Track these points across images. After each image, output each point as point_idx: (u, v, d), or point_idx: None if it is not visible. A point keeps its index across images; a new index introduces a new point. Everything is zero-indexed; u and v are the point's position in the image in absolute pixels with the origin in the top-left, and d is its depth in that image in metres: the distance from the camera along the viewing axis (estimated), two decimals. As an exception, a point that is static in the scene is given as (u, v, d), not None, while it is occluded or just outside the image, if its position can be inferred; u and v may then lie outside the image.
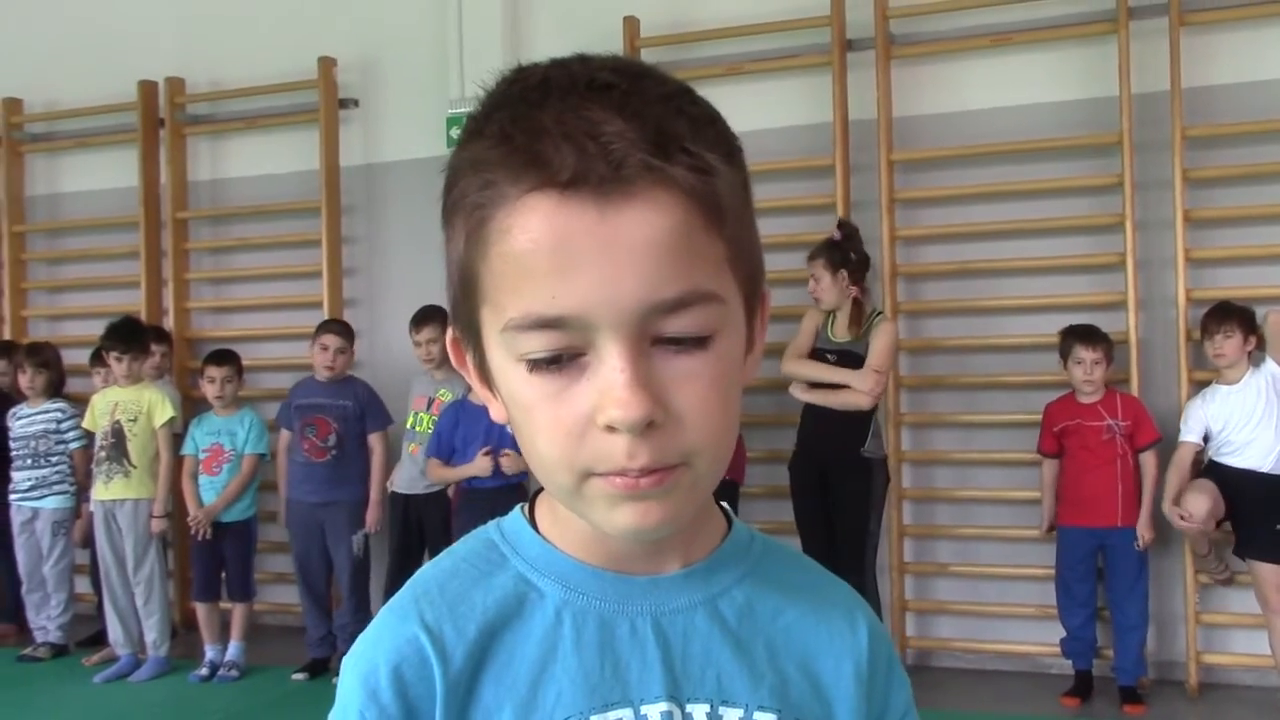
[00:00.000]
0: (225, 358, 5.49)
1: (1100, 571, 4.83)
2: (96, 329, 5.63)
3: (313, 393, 5.38)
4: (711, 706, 0.80)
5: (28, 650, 5.75)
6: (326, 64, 6.14)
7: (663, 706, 0.79)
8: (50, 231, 6.99)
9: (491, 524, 0.86)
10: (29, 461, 5.78)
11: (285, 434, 5.46)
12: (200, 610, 5.43)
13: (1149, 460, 4.71)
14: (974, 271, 5.22)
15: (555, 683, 0.78)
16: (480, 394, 0.81)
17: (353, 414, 5.36)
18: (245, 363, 5.65)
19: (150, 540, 5.37)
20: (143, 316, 6.19)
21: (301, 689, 5.18)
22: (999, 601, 5.21)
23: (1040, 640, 5.03)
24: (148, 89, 6.48)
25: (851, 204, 5.23)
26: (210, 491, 5.37)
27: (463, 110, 5.57)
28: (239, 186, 6.50)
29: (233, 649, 5.41)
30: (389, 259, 6.16)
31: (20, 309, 6.92)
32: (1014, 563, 5.17)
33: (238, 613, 5.45)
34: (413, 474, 5.19)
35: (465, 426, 4.70)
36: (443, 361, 5.09)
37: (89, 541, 5.69)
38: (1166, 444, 4.71)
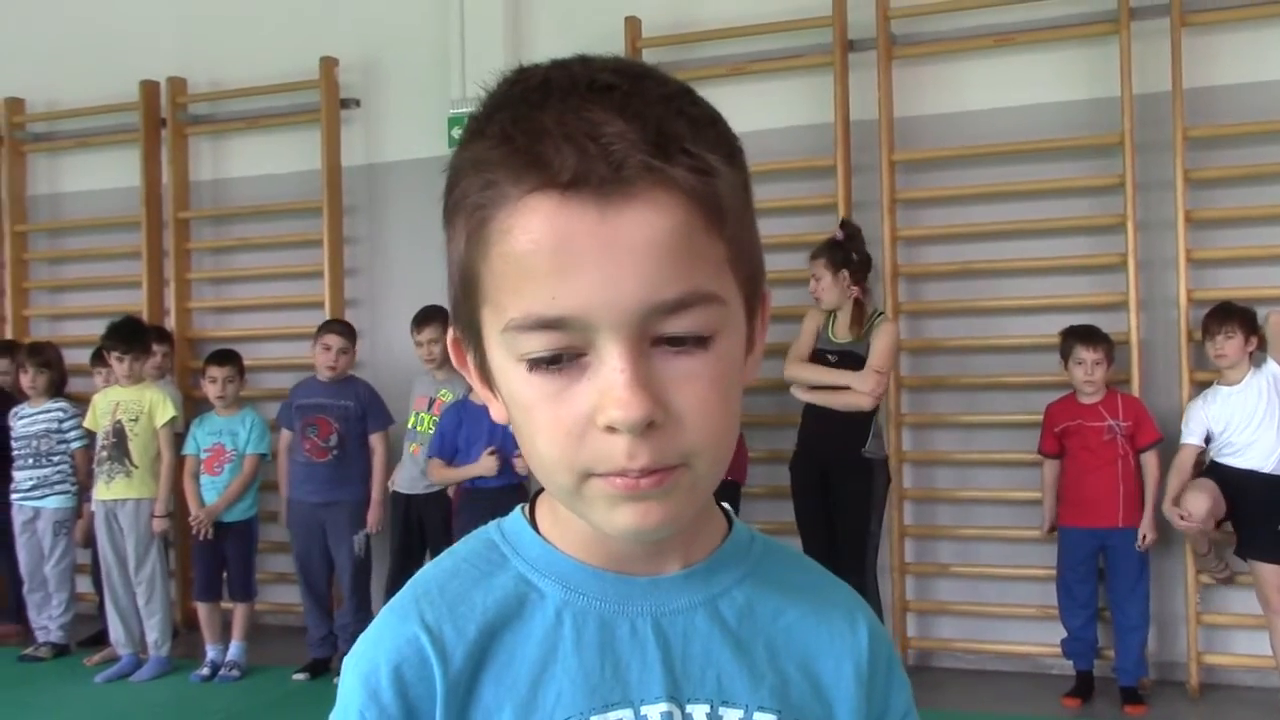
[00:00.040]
0: (227, 358, 5.50)
1: (1101, 572, 4.83)
2: (98, 329, 5.63)
3: (314, 393, 5.38)
4: (711, 707, 0.80)
5: (29, 650, 5.75)
6: (328, 64, 6.14)
7: (663, 707, 0.79)
8: (52, 231, 7.00)
9: (492, 524, 0.87)
10: (30, 461, 5.78)
11: (286, 434, 5.46)
12: (201, 610, 5.43)
13: (1150, 460, 4.71)
14: (975, 272, 5.22)
15: (555, 683, 0.78)
16: (481, 394, 0.81)
17: (354, 414, 5.36)
18: (246, 363, 5.65)
19: (152, 540, 5.38)
20: (144, 316, 6.20)
21: (303, 689, 5.18)
22: (1000, 602, 5.21)
23: (1041, 641, 5.03)
24: (149, 89, 6.48)
25: (853, 204, 5.23)
26: (212, 491, 5.38)
27: (464, 110, 5.57)
28: (240, 186, 6.50)
29: (234, 649, 5.41)
30: (390, 259, 6.17)
31: (22, 308, 6.93)
32: (1015, 563, 5.17)
33: (239, 613, 5.45)
34: (414, 474, 5.20)
35: (468, 426, 4.70)
36: (444, 362, 5.09)
37: (90, 541, 5.69)
38: (1168, 444, 4.71)
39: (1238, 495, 4.52)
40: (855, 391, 4.59)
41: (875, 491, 4.68)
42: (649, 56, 5.49)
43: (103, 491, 5.37)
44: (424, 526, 5.17)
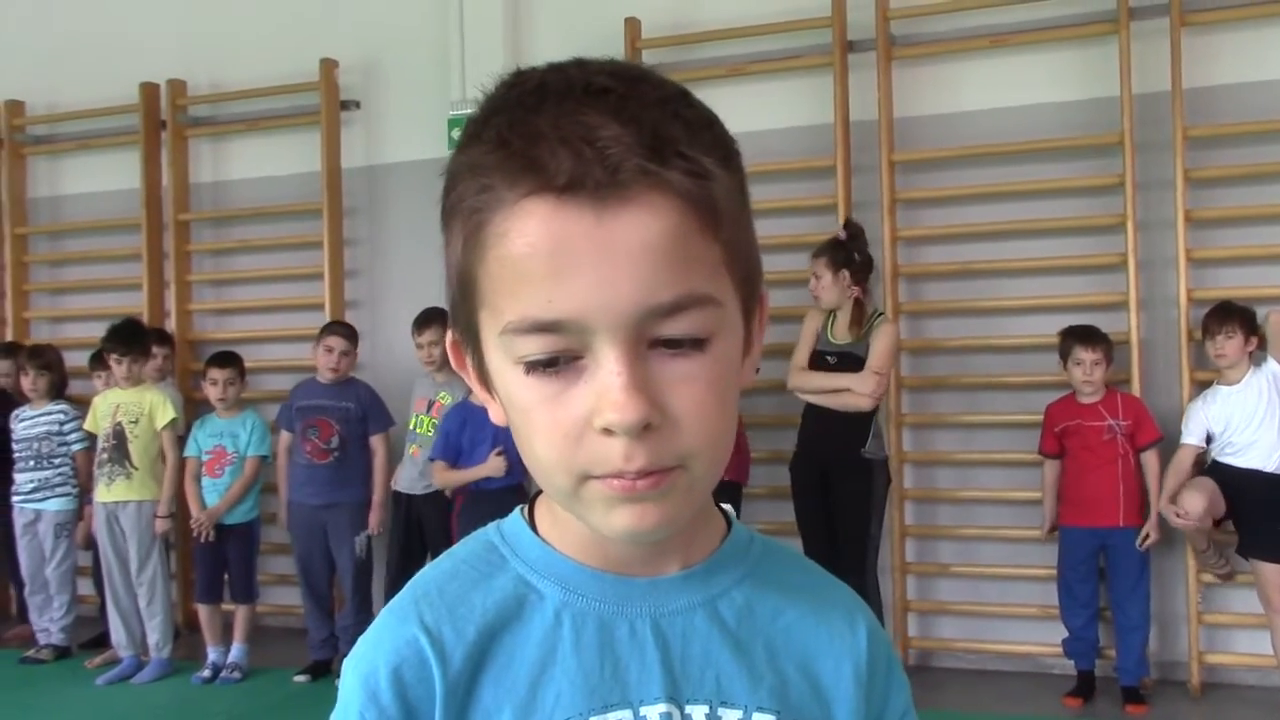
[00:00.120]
0: (228, 360, 5.50)
1: (1102, 572, 4.83)
2: (98, 331, 5.63)
3: (314, 394, 5.38)
4: (711, 708, 0.80)
5: (30, 652, 5.75)
6: (328, 66, 6.15)
7: (662, 708, 0.79)
8: (52, 234, 7.00)
9: (491, 526, 0.87)
10: (31, 463, 5.78)
11: (286, 436, 5.46)
12: (203, 612, 5.44)
13: (1151, 459, 4.71)
14: (975, 272, 5.22)
15: (554, 684, 0.78)
16: (480, 396, 0.81)
17: (355, 416, 5.36)
18: (247, 364, 5.65)
19: (153, 542, 5.38)
20: (145, 318, 6.21)
21: (304, 691, 5.19)
22: (1001, 602, 5.21)
23: (1042, 640, 5.03)
24: (149, 91, 6.49)
25: (853, 205, 5.23)
26: (213, 493, 5.38)
27: (464, 112, 5.57)
28: (241, 188, 6.50)
29: (235, 651, 5.41)
30: (390, 261, 6.17)
31: (22, 311, 6.93)
32: (1016, 563, 5.17)
33: (240, 614, 5.45)
34: (413, 475, 5.20)
35: (472, 428, 4.67)
36: (444, 364, 5.09)
37: (91, 543, 5.69)
38: (1168, 443, 4.71)
39: (1239, 495, 4.52)
40: (855, 392, 4.60)
41: (875, 492, 4.68)
42: (649, 57, 5.50)
43: (103, 493, 5.38)
44: (423, 527, 5.17)
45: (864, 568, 4.58)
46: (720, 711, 0.81)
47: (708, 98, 0.75)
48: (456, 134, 5.42)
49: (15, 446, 5.81)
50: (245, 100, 6.40)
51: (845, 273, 4.68)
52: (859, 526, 4.61)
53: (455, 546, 0.86)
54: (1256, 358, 4.58)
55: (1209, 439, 4.61)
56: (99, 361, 5.62)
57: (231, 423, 5.45)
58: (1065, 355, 4.76)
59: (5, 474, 5.86)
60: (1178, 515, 4.50)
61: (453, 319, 0.80)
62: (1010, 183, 5.15)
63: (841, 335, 4.72)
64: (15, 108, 6.89)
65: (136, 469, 5.35)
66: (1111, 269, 5.01)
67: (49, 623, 5.79)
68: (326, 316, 5.92)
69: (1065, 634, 4.83)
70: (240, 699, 5.13)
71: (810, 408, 4.75)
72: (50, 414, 5.84)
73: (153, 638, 5.39)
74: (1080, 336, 4.74)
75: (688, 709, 0.80)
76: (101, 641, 5.71)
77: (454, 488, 4.84)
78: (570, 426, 0.71)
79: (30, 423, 5.83)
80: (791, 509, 4.81)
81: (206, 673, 5.34)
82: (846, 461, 4.63)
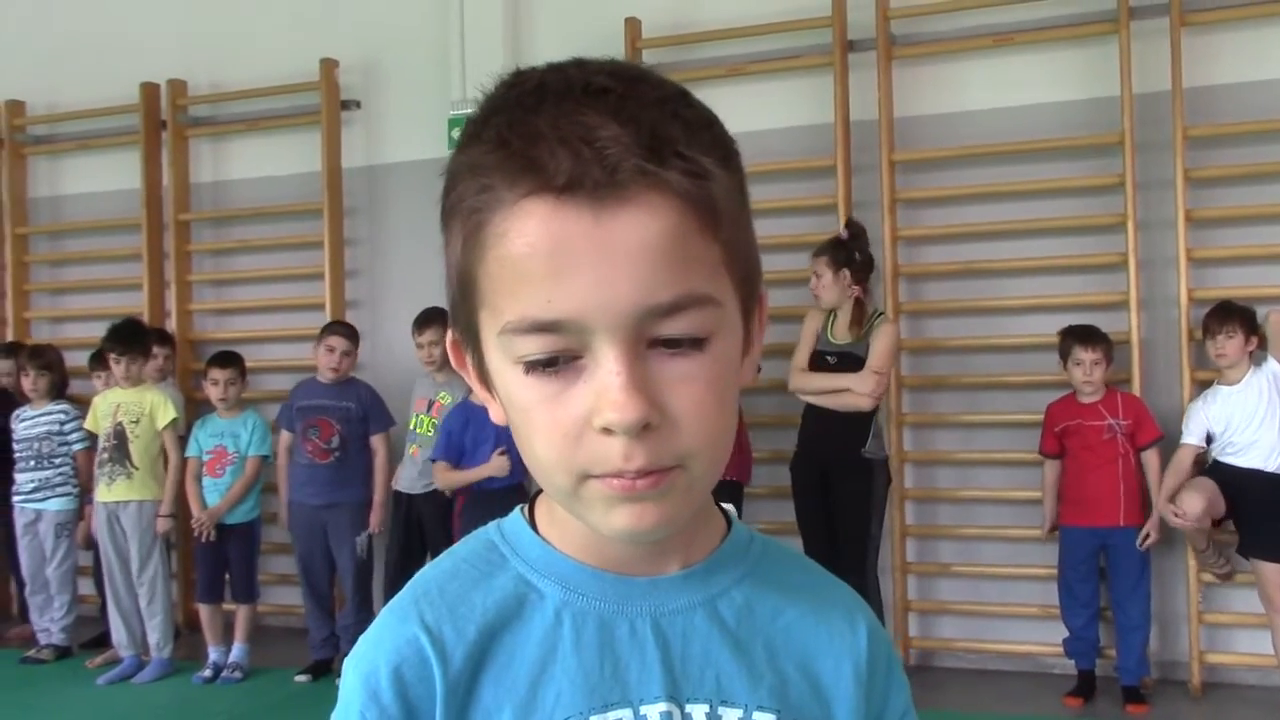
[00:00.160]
0: (229, 360, 5.50)
1: (1102, 571, 4.83)
2: (99, 331, 5.64)
3: (315, 394, 5.39)
4: (711, 707, 0.81)
5: (31, 652, 5.76)
6: (328, 66, 6.15)
7: (662, 707, 0.79)
8: (52, 234, 7.00)
9: (492, 525, 0.87)
10: (32, 463, 5.78)
11: (285, 435, 5.46)
12: (204, 612, 5.44)
13: (1152, 459, 4.71)
14: (976, 272, 5.22)
15: (555, 683, 0.79)
16: (480, 395, 0.82)
17: (355, 415, 5.37)
18: (247, 364, 5.65)
19: (154, 541, 5.39)
20: (145, 318, 6.21)
21: (305, 690, 5.19)
22: (1001, 602, 5.21)
23: (1043, 640, 5.03)
24: (150, 91, 6.49)
25: (853, 204, 5.23)
26: (214, 493, 5.38)
27: (464, 112, 5.57)
28: (241, 188, 6.51)
29: (236, 650, 5.41)
30: (391, 261, 6.17)
31: (23, 311, 6.93)
32: (1016, 563, 5.17)
33: (241, 614, 5.45)
34: (413, 475, 5.20)
35: (475, 428, 4.66)
36: (444, 364, 5.09)
37: (91, 543, 5.69)
38: (1168, 443, 4.71)
39: (1239, 495, 4.52)
40: (854, 392, 4.59)
41: (875, 491, 4.68)
42: (649, 57, 5.50)
43: (104, 493, 5.38)
44: (423, 526, 5.17)
45: (864, 567, 4.58)
46: (720, 710, 0.81)
47: (708, 98, 0.76)
48: (456, 134, 5.42)
49: (16, 446, 5.82)
50: (245, 100, 6.40)
51: (846, 272, 4.68)
52: (859, 526, 4.61)
53: (455, 546, 0.86)
54: (1257, 357, 4.58)
55: (1209, 439, 4.61)
56: (99, 361, 5.63)
57: (232, 423, 5.45)
58: (1065, 355, 4.76)
59: (6, 474, 5.86)
60: (1176, 516, 4.50)
61: (453, 319, 0.80)
62: (1010, 182, 5.15)
63: (842, 335, 4.72)
64: (15, 108, 6.89)
65: (137, 469, 5.36)
66: (1112, 269, 5.01)
67: (50, 623, 5.79)
68: (327, 316, 5.93)
69: (1066, 634, 4.83)
70: (241, 699, 5.13)
71: (810, 408, 4.75)
72: (51, 414, 5.84)
73: (153, 637, 5.40)
74: (1080, 336, 4.74)
75: (688, 708, 0.80)
76: (102, 641, 5.72)
77: (456, 488, 4.85)
78: (570, 426, 0.72)
79: (31, 423, 5.83)
80: (792, 509, 4.81)
81: (207, 672, 5.34)
82: (847, 461, 4.63)
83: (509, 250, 0.71)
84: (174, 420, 5.41)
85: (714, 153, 0.73)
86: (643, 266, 0.69)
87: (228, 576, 5.46)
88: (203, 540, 5.38)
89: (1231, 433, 4.54)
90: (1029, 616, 5.09)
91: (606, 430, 0.70)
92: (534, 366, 0.72)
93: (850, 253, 4.71)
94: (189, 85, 6.54)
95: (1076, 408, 4.77)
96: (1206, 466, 4.66)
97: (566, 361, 0.71)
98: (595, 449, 0.71)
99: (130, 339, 5.40)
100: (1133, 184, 4.88)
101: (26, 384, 5.88)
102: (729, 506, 0.90)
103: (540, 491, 0.84)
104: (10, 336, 6.78)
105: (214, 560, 5.42)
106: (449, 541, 0.99)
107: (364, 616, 5.12)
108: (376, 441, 5.40)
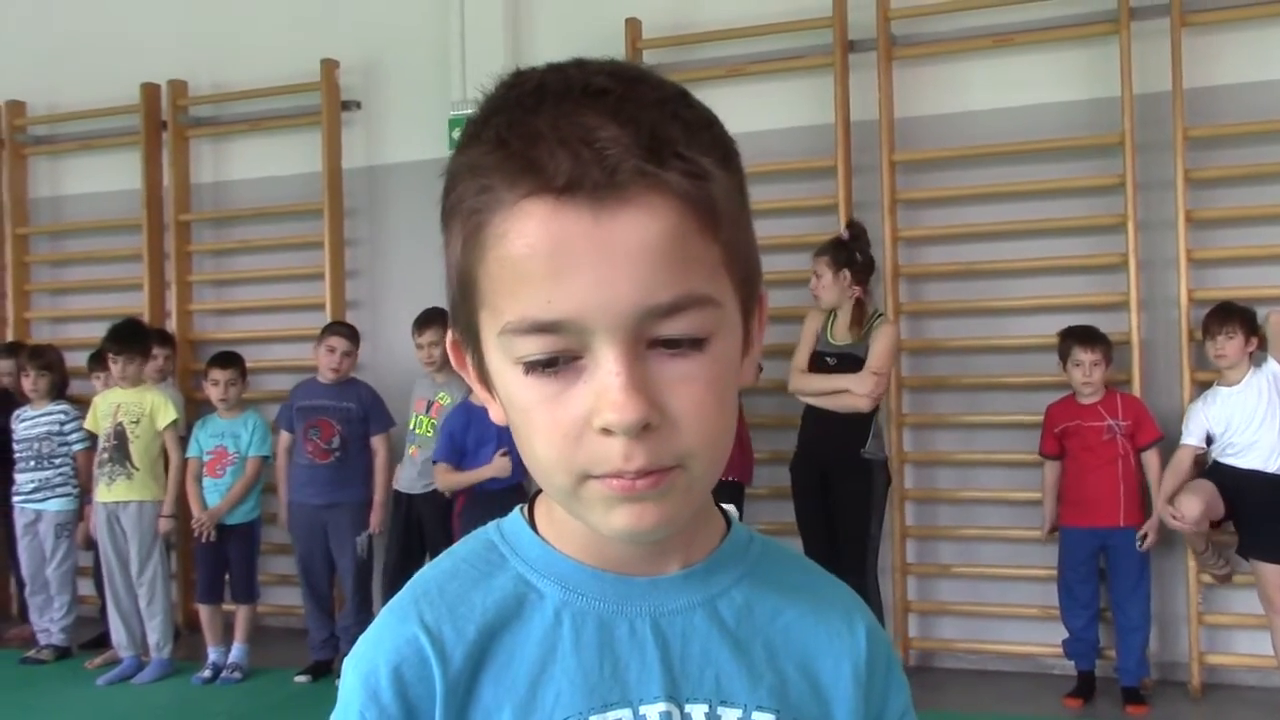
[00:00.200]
0: (229, 360, 5.50)
1: (1102, 572, 4.83)
2: (99, 331, 5.64)
3: (315, 394, 5.39)
4: (710, 707, 0.81)
5: (30, 653, 5.76)
6: (329, 66, 6.15)
7: (661, 707, 0.79)
8: (53, 234, 7.01)
9: (491, 525, 0.87)
10: (32, 464, 5.79)
11: (285, 436, 5.46)
12: (204, 612, 5.44)
13: (1152, 459, 4.71)
14: (976, 272, 5.22)
15: (554, 683, 0.79)
16: (480, 396, 0.82)
17: (356, 416, 5.37)
18: (248, 365, 5.65)
19: (154, 542, 5.39)
20: (146, 319, 6.21)
21: (304, 691, 5.19)
22: (1001, 602, 5.21)
23: (1042, 641, 5.03)
24: (150, 91, 6.49)
25: (853, 205, 5.23)
26: (214, 494, 5.38)
27: (465, 112, 5.56)
28: (241, 189, 6.51)
29: (236, 651, 5.41)
30: (391, 261, 6.17)
31: (23, 311, 6.93)
32: (1016, 563, 5.17)
33: (241, 615, 5.45)
34: (413, 475, 5.21)
35: (477, 428, 4.66)
36: (444, 364, 5.09)
37: (91, 543, 5.69)
38: (1168, 444, 4.71)
39: (1239, 496, 4.51)
40: (853, 393, 4.59)
41: (875, 492, 4.68)
42: (649, 58, 5.50)
43: (104, 494, 5.38)
44: (423, 527, 5.17)
45: (864, 568, 4.58)
46: (720, 710, 0.81)
47: (708, 98, 0.76)
48: (457, 134, 5.42)
49: (16, 447, 5.82)
50: (246, 100, 6.40)
51: (846, 272, 4.68)
52: (859, 527, 4.61)
53: (455, 545, 0.87)
54: (1257, 358, 4.58)
55: (1209, 440, 4.61)
56: (98, 362, 5.63)
57: (233, 423, 5.45)
58: (1064, 356, 4.76)
59: (6, 474, 5.87)
60: (1174, 519, 4.50)
61: (453, 319, 0.80)
62: (1011, 183, 5.16)
63: (841, 336, 4.72)
64: (16, 108, 6.89)
65: (137, 469, 5.36)
66: (1112, 269, 5.01)
67: (49, 623, 5.79)
68: (327, 317, 5.93)
69: (1065, 634, 4.82)
70: (241, 699, 5.13)
71: (810, 409, 4.75)
72: (51, 414, 5.84)
73: (153, 638, 5.40)
74: (1079, 337, 4.74)
75: (687, 708, 0.80)
76: (102, 642, 5.72)
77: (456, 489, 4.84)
78: (570, 426, 0.72)
79: (31, 423, 5.83)
80: (793, 509, 4.81)
81: (207, 673, 5.34)
82: (846, 462, 4.63)
83: (509, 251, 0.71)
84: (174, 421, 5.41)
85: (714, 153, 0.73)
86: (642, 267, 0.69)
87: (228, 577, 5.46)
88: (203, 540, 5.38)
89: (1231, 434, 4.54)
90: (1029, 617, 5.09)
91: (606, 430, 0.70)
92: (534, 367, 0.72)
93: (851, 253, 4.71)
94: (189, 85, 6.54)
95: (1076, 409, 4.77)
96: (1206, 467, 4.66)
97: (566, 362, 0.72)
98: (595, 449, 0.71)
99: (130, 339, 5.40)
100: (1133, 184, 4.88)
101: (27, 384, 5.88)
102: (730, 507, 0.90)
103: (540, 491, 0.84)
104: (10, 336, 6.78)
105: (214, 561, 5.42)
106: (449, 542, 0.99)
107: (364, 617, 5.12)
108: (377, 442, 5.40)
